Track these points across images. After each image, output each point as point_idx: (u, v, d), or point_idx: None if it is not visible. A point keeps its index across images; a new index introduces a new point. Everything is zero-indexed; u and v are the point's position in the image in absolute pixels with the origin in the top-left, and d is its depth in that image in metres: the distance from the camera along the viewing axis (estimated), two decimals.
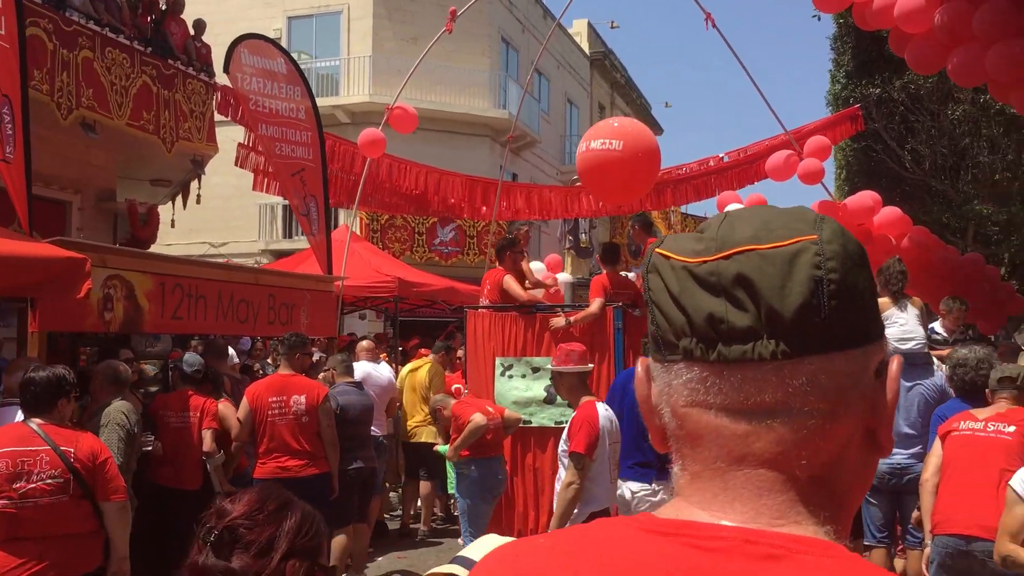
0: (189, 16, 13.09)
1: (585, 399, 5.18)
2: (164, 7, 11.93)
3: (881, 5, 6.84)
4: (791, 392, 0.74)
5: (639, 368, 0.84)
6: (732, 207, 1.13)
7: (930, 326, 8.70)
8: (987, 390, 4.74)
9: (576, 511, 4.93)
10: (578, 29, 31.18)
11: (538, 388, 7.26)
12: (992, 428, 4.43)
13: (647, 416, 0.84)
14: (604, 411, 5.11)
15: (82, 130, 10.28)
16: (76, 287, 4.97)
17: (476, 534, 6.88)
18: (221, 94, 11.21)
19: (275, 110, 9.27)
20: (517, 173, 24.35)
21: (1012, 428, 4.36)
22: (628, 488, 5.67)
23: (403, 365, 9.97)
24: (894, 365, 0.80)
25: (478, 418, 6.56)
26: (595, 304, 7.17)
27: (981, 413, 4.58)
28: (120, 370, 5.54)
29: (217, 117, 11.78)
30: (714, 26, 9.17)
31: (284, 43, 22.32)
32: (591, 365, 5.67)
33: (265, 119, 9.15)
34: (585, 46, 30.89)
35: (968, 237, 21.28)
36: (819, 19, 12.50)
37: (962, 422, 4.56)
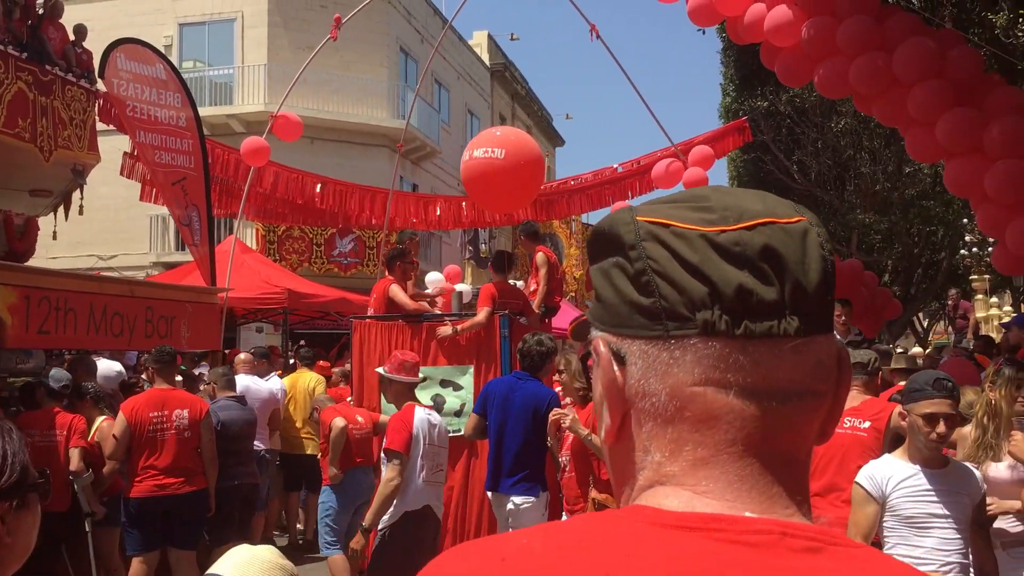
0: (75, 21, 12.65)
1: (408, 404, 5.48)
2: (41, 12, 11.50)
3: (752, 19, 7.06)
4: (805, 372, 0.73)
5: (601, 347, 0.78)
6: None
7: None
8: None
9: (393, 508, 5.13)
10: (478, 41, 31.32)
11: (425, 398, 7.20)
12: (848, 424, 4.64)
13: (613, 402, 0.77)
14: (423, 415, 5.38)
15: None
16: None
17: (334, 544, 6.85)
18: (102, 101, 10.85)
19: (154, 117, 9.02)
20: (418, 183, 24.28)
21: (867, 424, 4.58)
22: (513, 501, 5.71)
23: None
24: (849, 359, 0.80)
25: (337, 421, 6.71)
26: (482, 313, 7.18)
27: None
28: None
29: (105, 126, 11.41)
30: (599, 38, 9.32)
31: (175, 51, 21.81)
32: (422, 377, 6.01)
33: (144, 126, 8.89)
34: (485, 57, 31.04)
35: (852, 245, 22.14)
36: (704, 33, 12.78)
37: None
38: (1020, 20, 9.09)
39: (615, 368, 0.76)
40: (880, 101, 6.64)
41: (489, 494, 5.99)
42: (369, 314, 7.84)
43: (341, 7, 18.73)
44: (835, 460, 4.63)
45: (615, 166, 13.79)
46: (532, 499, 5.69)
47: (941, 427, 3.53)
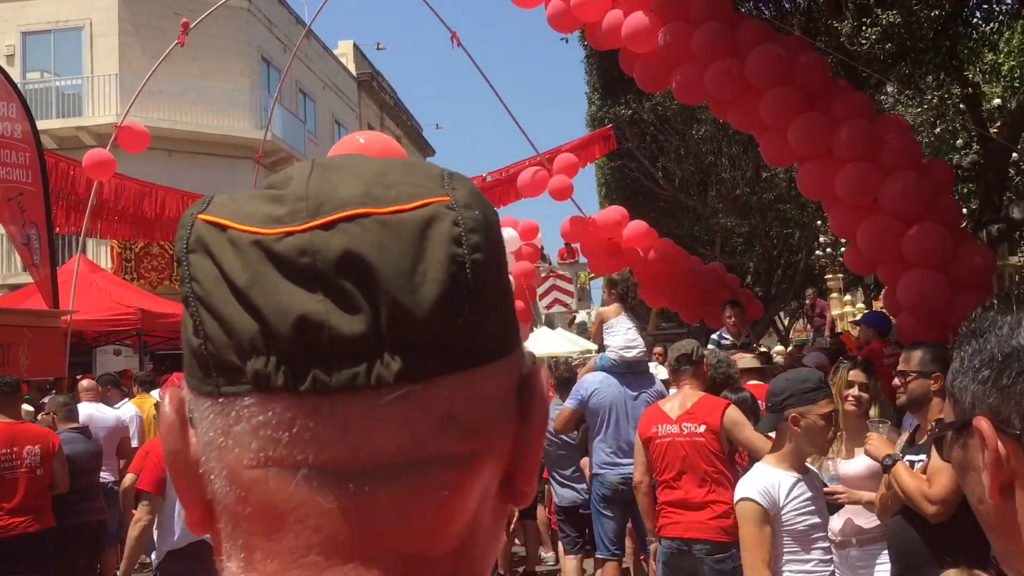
0: None
1: None
2: None
3: (610, 25, 7.10)
4: (422, 433, 0.50)
5: (166, 405, 0.55)
6: (366, 156, 0.57)
7: (718, 333, 9.11)
8: (671, 373, 5.05)
9: (157, 548, 4.83)
10: (344, 50, 30.85)
11: None
12: (687, 430, 4.65)
13: (179, 481, 0.55)
14: None
15: None
16: None
17: None
18: None
19: None
20: None
21: (703, 428, 4.60)
22: None
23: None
24: (541, 378, 0.58)
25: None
26: None
27: (672, 409, 4.77)
28: None
29: None
30: (460, 45, 9.23)
31: (18, 60, 20.61)
32: None
33: None
34: (352, 67, 30.61)
35: (716, 248, 22.80)
36: (567, 41, 12.88)
37: (659, 426, 4.76)
38: (864, 28, 9.49)
39: (179, 434, 0.54)
40: (735, 107, 6.77)
41: None
42: None
43: (196, 14, 18.09)
44: (681, 470, 4.65)
45: (484, 175, 13.76)
46: None
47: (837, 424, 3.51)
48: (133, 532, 4.89)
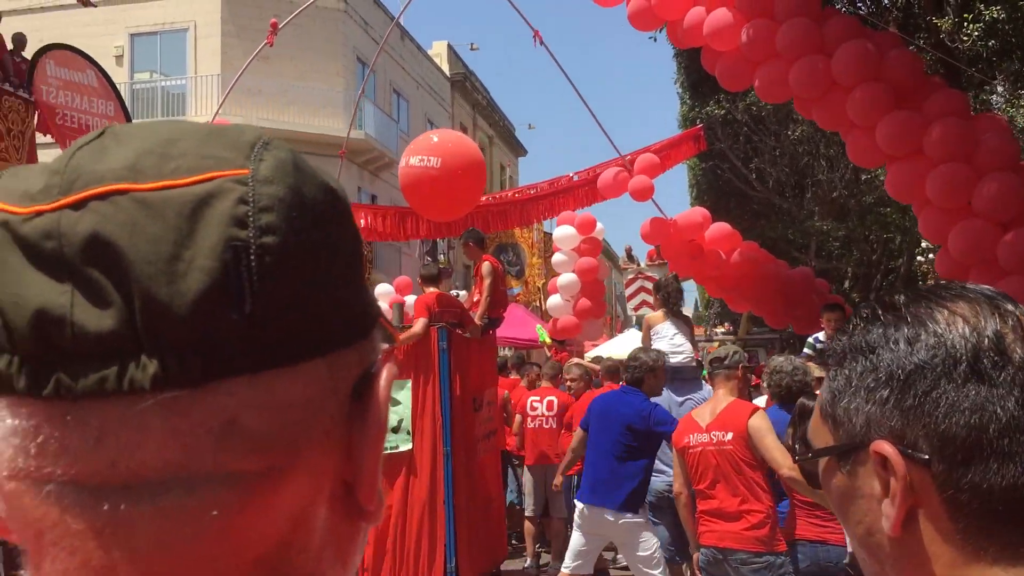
0: (25, 31, 12.34)
1: None
2: None
3: (691, 23, 6.96)
4: (195, 446, 0.43)
5: None
6: (175, 120, 0.50)
7: (813, 336, 8.87)
8: (707, 377, 4.98)
9: None
10: (438, 51, 31.18)
11: None
12: (715, 438, 4.57)
13: None
14: None
15: None
16: None
17: None
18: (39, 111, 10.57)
19: (85, 125, 8.76)
20: (376, 194, 24.06)
21: (730, 435, 4.51)
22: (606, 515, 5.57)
23: None
24: (384, 376, 0.51)
25: None
26: (419, 324, 6.97)
27: (703, 417, 4.71)
28: None
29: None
30: (542, 43, 9.19)
31: (127, 61, 21.48)
32: None
33: (73, 135, 8.64)
34: (445, 67, 30.91)
35: (811, 252, 22.21)
36: (655, 40, 12.72)
37: (692, 435, 4.71)
38: (965, 24, 9.08)
39: None
40: (820, 105, 6.55)
41: (580, 505, 5.77)
42: None
43: (298, 17, 18.53)
44: (714, 480, 4.59)
45: (571, 175, 13.71)
46: (628, 516, 5.54)
47: None
48: None
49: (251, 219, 0.44)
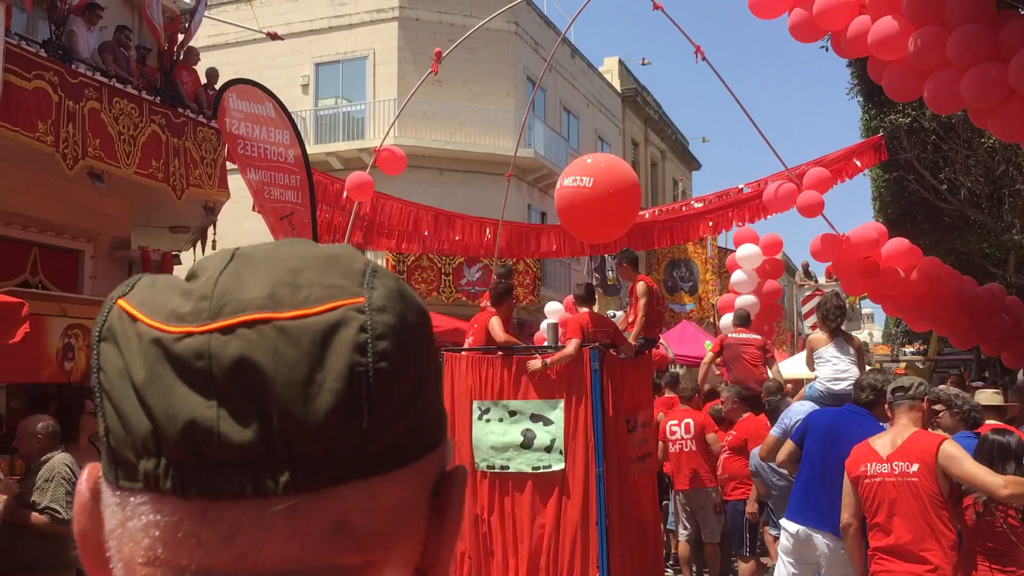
0: (219, 65, 13.39)
1: None
2: (175, 58, 12.17)
3: (855, 32, 6.67)
4: (311, 544, 0.49)
5: (83, 482, 0.55)
6: (293, 242, 0.57)
7: None
8: (886, 404, 4.64)
9: None
10: (609, 67, 31.22)
11: (515, 432, 7.09)
12: (898, 470, 4.25)
13: (88, 560, 0.55)
14: None
15: (90, 180, 10.51)
16: (11, 332, 4.98)
17: None
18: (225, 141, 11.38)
19: (263, 154, 9.36)
20: (546, 211, 24.30)
21: (916, 467, 4.17)
22: (827, 541, 5.25)
23: None
24: (459, 479, 0.57)
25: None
26: (571, 345, 6.99)
27: (883, 447, 4.38)
28: (53, 423, 5.45)
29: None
30: (704, 59, 9.04)
31: (312, 89, 22.74)
32: None
33: (253, 163, 9.25)
34: (616, 83, 30.89)
35: (1010, 267, 20.65)
36: (827, 49, 12.21)
37: (869, 464, 4.38)
38: None
39: (91, 516, 0.54)
40: (997, 115, 6.11)
41: (794, 527, 5.42)
42: (465, 345, 7.82)
43: (469, 41, 19.05)
44: (891, 513, 4.26)
45: (740, 187, 13.38)
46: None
47: None
48: None
49: (370, 346, 0.50)
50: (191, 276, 0.54)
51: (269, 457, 0.48)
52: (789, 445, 5.55)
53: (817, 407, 5.73)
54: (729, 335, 9.22)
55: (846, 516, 4.55)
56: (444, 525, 0.55)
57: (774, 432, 5.79)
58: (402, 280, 0.57)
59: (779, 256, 11.20)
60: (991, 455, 4.25)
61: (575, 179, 6.77)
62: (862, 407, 5.26)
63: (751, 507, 7.25)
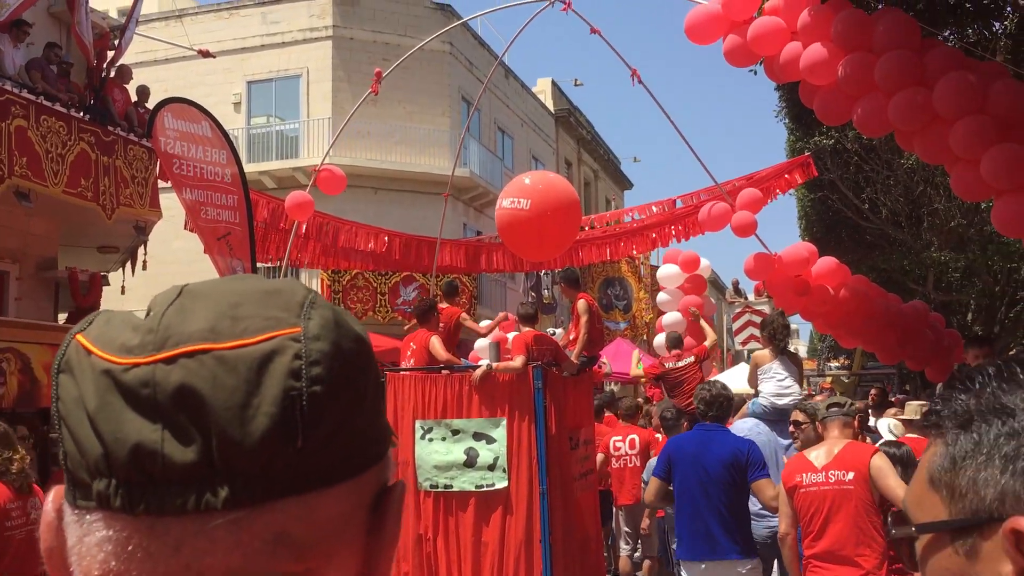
0: (149, 82, 13.13)
1: None
2: (104, 75, 11.94)
3: (788, 58, 6.88)
4: (253, 554, 0.54)
5: (48, 503, 0.60)
6: (241, 278, 0.65)
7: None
8: (817, 421, 4.83)
9: None
10: (542, 87, 31.53)
11: (458, 451, 7.10)
12: (834, 478, 4.43)
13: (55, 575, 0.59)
14: None
15: (16, 199, 10.22)
16: None
17: None
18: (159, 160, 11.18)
19: (199, 173, 9.24)
20: (482, 230, 24.38)
21: (851, 475, 4.36)
22: (738, 568, 5.34)
23: None
24: (397, 494, 0.62)
25: None
26: (518, 360, 7.02)
27: (818, 458, 4.56)
28: None
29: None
30: (640, 82, 9.23)
31: (244, 107, 22.47)
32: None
33: (189, 183, 9.13)
34: (550, 104, 31.20)
35: (929, 284, 21.37)
36: (756, 73, 12.56)
37: (804, 475, 4.56)
38: None
39: (56, 534, 0.59)
40: (922, 138, 6.37)
41: (696, 567, 5.40)
42: (405, 365, 7.81)
43: (405, 60, 19.05)
44: (826, 521, 4.42)
45: (674, 199, 13.60)
46: (753, 562, 5.39)
47: None
48: None
49: (304, 372, 0.55)
50: (149, 310, 0.59)
51: (210, 475, 0.53)
52: (655, 482, 5.57)
53: (757, 422, 5.87)
54: (667, 364, 9.42)
55: (783, 526, 4.71)
56: (382, 538, 0.60)
57: (657, 472, 5.69)
58: (341, 308, 0.63)
59: (700, 272, 11.42)
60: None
61: (513, 201, 6.85)
62: (715, 423, 5.43)
63: (645, 523, 7.38)
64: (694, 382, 8.75)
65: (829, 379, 25.38)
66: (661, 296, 11.99)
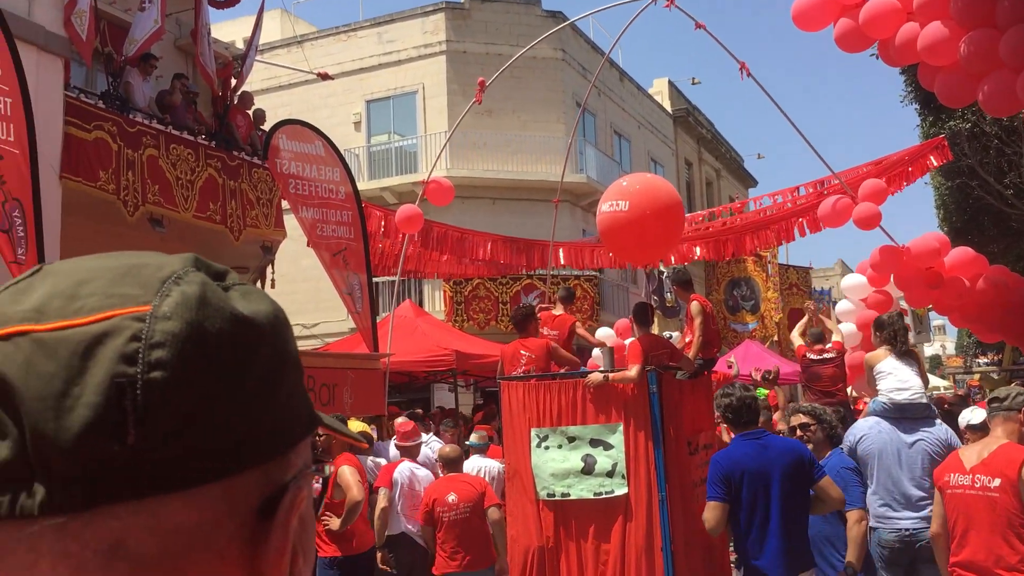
0: (276, 105, 13.70)
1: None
2: (227, 103, 12.46)
3: (904, 40, 6.54)
4: (80, 566, 0.47)
5: None
6: (114, 255, 0.56)
7: None
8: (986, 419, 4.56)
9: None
10: (659, 88, 31.13)
11: (575, 458, 7.02)
12: (979, 483, 4.09)
13: None
14: (407, 467, 7.20)
15: (150, 225, 10.77)
16: None
17: None
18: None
19: (314, 192, 9.51)
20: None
21: (997, 482, 4.00)
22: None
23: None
24: (288, 498, 0.53)
25: (354, 492, 6.29)
26: (633, 369, 6.86)
27: (969, 458, 4.23)
28: None
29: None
30: (749, 75, 8.95)
31: (363, 126, 23.08)
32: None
33: (304, 202, 9.40)
34: (667, 104, 30.78)
35: None
36: (876, 58, 12.05)
37: (952, 475, 4.25)
38: None
39: None
40: None
41: None
42: (515, 374, 7.80)
43: (517, 70, 19.19)
44: (967, 528, 4.11)
45: (797, 186, 13.19)
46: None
47: None
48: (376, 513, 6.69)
49: (141, 355, 0.47)
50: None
51: (26, 476, 0.46)
52: (717, 507, 4.66)
53: (877, 420, 5.58)
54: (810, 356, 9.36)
55: (935, 526, 4.42)
56: (268, 551, 0.52)
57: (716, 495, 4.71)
58: (248, 284, 0.55)
59: (889, 287, 10.43)
60: None
61: (612, 204, 6.76)
62: (755, 430, 4.76)
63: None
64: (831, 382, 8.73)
65: (977, 376, 24.03)
66: (842, 305, 11.49)
